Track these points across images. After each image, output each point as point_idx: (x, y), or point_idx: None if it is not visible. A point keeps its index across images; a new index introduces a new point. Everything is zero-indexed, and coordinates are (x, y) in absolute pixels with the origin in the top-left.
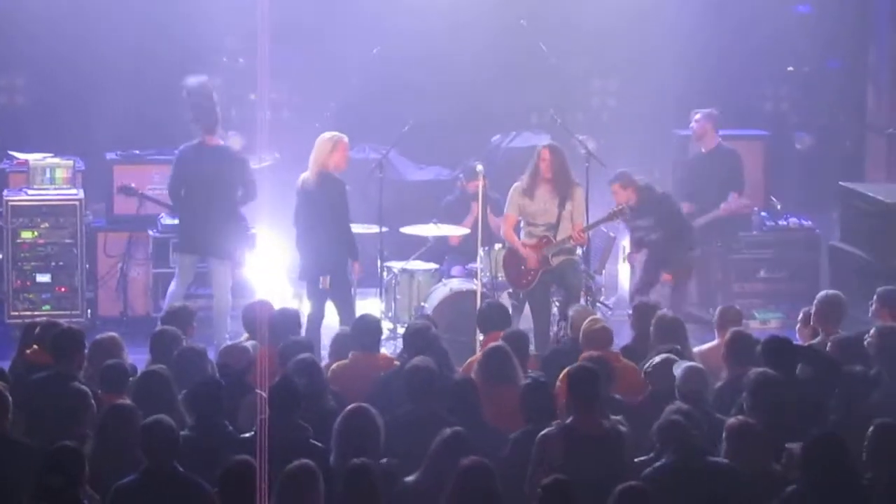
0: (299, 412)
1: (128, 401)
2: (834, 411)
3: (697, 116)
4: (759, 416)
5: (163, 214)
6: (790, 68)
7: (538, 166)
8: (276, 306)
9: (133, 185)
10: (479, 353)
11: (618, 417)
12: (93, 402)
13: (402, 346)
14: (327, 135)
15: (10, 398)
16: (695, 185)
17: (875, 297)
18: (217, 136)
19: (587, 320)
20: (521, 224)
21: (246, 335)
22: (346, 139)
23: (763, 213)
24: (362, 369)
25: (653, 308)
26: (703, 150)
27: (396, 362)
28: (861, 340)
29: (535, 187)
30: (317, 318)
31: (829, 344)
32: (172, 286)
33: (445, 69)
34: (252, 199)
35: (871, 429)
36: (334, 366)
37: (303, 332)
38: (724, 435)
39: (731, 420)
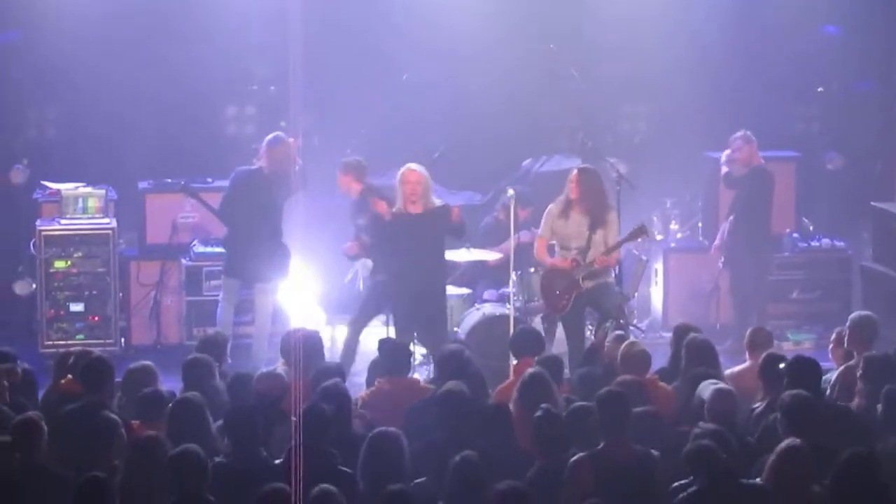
0: (328, 438)
1: (161, 430)
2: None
3: (737, 143)
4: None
5: (196, 242)
6: (820, 89)
7: (568, 189)
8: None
9: (194, 184)
10: (512, 378)
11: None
12: (122, 432)
13: (434, 371)
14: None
15: (44, 427)
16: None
17: None
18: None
19: (626, 343)
20: (555, 247)
21: (281, 361)
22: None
23: (795, 235)
24: (390, 395)
25: (691, 330)
26: (745, 172)
27: (428, 386)
28: (893, 360)
29: (568, 210)
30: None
31: (861, 363)
32: (220, 310)
33: (475, 94)
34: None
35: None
36: (363, 393)
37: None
38: (770, 457)
39: (782, 444)
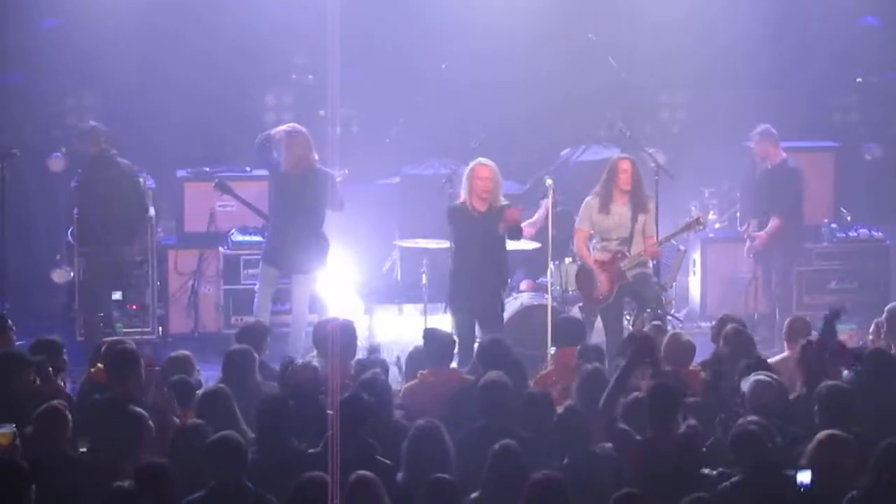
0: (367, 429)
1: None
2: None
3: (754, 138)
4: (832, 428)
5: (234, 231)
6: (859, 79)
7: (617, 178)
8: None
9: (229, 183)
10: (551, 367)
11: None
12: (150, 425)
13: (476, 361)
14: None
15: (69, 416)
16: (761, 201)
17: None
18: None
19: (670, 334)
20: (594, 239)
21: (315, 352)
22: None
23: (833, 225)
24: (433, 386)
25: (732, 321)
26: (768, 167)
27: (469, 377)
28: None
29: (610, 201)
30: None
31: None
32: (257, 298)
33: (515, 84)
34: (339, 208)
35: None
36: (404, 387)
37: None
38: (811, 447)
39: (821, 434)
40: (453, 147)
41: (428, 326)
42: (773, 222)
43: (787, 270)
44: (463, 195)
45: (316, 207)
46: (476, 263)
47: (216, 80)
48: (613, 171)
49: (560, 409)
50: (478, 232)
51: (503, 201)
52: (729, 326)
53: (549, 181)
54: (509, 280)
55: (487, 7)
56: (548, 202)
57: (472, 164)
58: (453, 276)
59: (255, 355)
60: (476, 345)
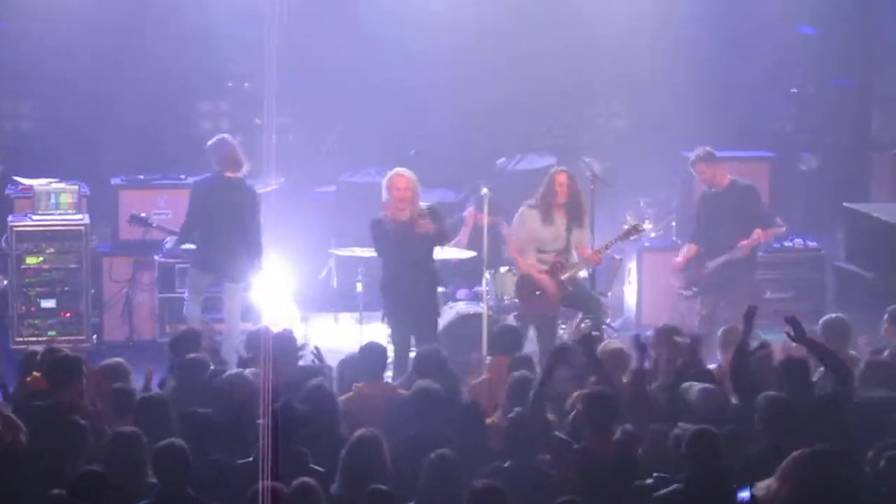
0: (300, 438)
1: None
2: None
3: (696, 164)
4: (771, 440)
5: (168, 240)
6: (794, 90)
7: (555, 191)
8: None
9: (143, 214)
10: (487, 375)
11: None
12: (90, 437)
13: (412, 371)
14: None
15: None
16: (705, 225)
17: (886, 316)
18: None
19: (605, 342)
20: (528, 249)
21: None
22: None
23: None
24: (369, 398)
25: (674, 332)
26: (718, 190)
27: (401, 391)
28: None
29: (550, 213)
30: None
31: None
32: (187, 306)
33: (451, 92)
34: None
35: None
36: (340, 399)
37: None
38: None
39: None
40: (390, 155)
41: (367, 341)
42: (759, 234)
43: (739, 306)
44: (383, 207)
45: (245, 216)
46: (405, 275)
47: (153, 87)
48: (551, 184)
49: (511, 415)
50: (401, 242)
51: (422, 205)
52: (670, 336)
53: (484, 190)
54: (442, 288)
55: (425, 12)
56: (472, 210)
57: (389, 175)
58: (384, 289)
59: (208, 362)
60: (412, 355)
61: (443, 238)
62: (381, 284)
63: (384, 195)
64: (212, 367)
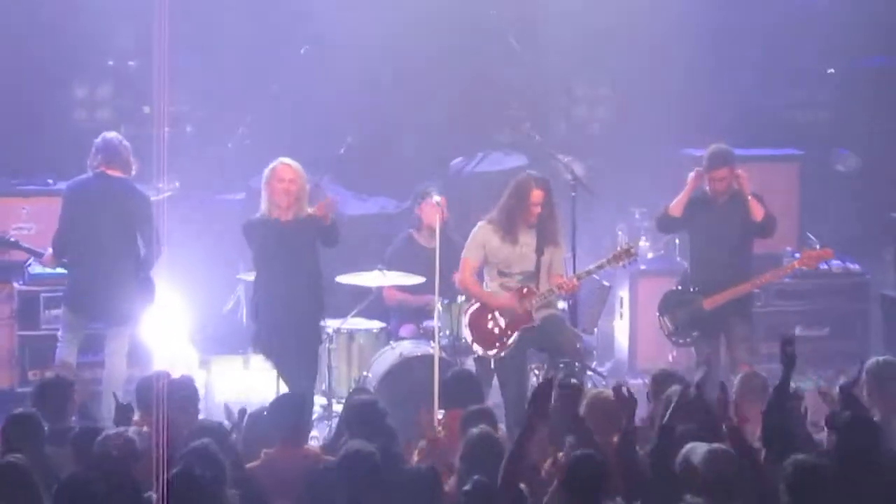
0: None
1: None
2: None
3: (715, 166)
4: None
5: (31, 262)
6: (831, 70)
7: (527, 209)
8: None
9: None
10: (441, 433)
11: None
12: None
13: (338, 427)
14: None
15: None
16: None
17: None
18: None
19: (592, 393)
20: (487, 272)
21: (138, 415)
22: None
23: (797, 255)
24: (279, 470)
25: (673, 380)
26: (726, 198)
27: (328, 457)
28: None
29: (514, 229)
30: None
31: None
32: (60, 348)
33: (391, 74)
34: (156, 258)
35: None
36: (249, 465)
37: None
38: None
39: None
40: (314, 153)
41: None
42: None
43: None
44: (263, 205)
45: (134, 231)
46: (285, 288)
47: (14, 67)
48: (522, 198)
49: (467, 487)
50: (284, 248)
51: (309, 210)
52: (670, 387)
53: (437, 198)
54: (381, 324)
55: None
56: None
57: (272, 165)
58: (255, 308)
59: (42, 422)
60: (342, 406)
61: (332, 237)
62: (251, 302)
63: (263, 191)
64: (76, 428)
